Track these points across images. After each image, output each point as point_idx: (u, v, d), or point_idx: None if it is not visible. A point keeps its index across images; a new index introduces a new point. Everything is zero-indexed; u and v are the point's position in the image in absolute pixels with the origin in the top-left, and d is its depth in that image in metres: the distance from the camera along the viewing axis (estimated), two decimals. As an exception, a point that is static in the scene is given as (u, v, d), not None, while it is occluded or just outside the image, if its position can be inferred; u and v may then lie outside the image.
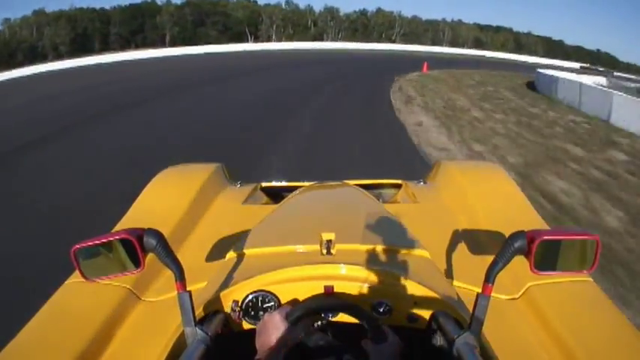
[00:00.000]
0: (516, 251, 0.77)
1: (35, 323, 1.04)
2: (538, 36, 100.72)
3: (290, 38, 65.35)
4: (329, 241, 1.11)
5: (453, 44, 69.99)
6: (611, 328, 1.01)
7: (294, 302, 0.95)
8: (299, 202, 1.65)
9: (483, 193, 1.66)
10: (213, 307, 0.95)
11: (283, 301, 0.97)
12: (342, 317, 0.93)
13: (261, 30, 68.81)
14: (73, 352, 0.94)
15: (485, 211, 1.52)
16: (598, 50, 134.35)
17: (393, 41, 69.28)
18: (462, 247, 1.36)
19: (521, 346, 0.98)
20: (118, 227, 1.45)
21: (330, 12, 75.01)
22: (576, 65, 53.60)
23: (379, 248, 1.10)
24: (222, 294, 0.96)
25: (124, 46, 56.09)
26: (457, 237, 1.43)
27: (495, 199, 1.63)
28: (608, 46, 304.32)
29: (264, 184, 2.14)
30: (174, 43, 54.87)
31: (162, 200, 1.68)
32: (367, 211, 1.46)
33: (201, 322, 0.88)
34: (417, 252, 1.14)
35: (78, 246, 0.82)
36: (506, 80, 18.61)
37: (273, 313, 0.86)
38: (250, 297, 0.96)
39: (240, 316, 0.96)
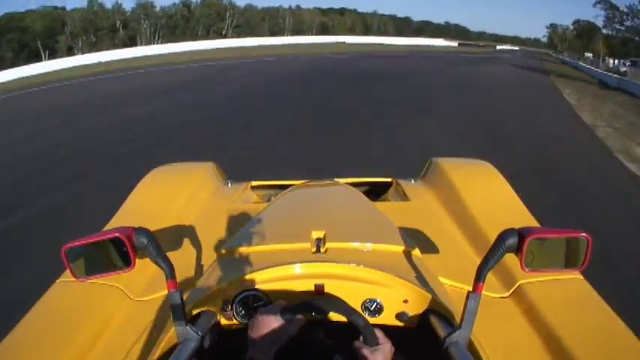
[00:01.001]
0: (507, 249, 0.78)
1: (26, 323, 1.04)
2: (383, 15, 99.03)
3: (93, 47, 46.89)
4: (319, 240, 1.11)
5: (296, 32, 59.99)
6: (601, 325, 1.01)
7: (285, 300, 0.93)
8: (289, 201, 1.63)
9: (474, 190, 1.65)
10: (204, 306, 0.95)
11: (273, 299, 0.95)
12: (335, 316, 0.92)
13: (60, 41, 48.43)
14: (64, 351, 0.95)
15: (476, 209, 1.52)
16: (447, 23, 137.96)
17: (225, 35, 55.91)
18: (452, 245, 1.37)
19: (512, 344, 0.98)
20: (109, 226, 1.44)
21: (144, 7, 57.77)
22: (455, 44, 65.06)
23: (369, 246, 1.11)
24: (212, 293, 0.95)
25: None
26: (448, 235, 1.45)
27: (486, 196, 1.62)
28: (455, 18, 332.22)
29: (254, 183, 2.11)
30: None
31: (153, 199, 1.67)
32: (358, 210, 1.49)
33: (191, 321, 0.88)
34: (408, 250, 1.14)
35: (68, 245, 0.81)
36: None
37: (268, 309, 0.86)
38: (241, 296, 0.95)
39: (231, 315, 0.96)
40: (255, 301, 0.96)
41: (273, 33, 60.02)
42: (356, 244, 1.10)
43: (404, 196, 1.82)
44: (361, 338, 0.83)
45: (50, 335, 1.00)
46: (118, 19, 54.39)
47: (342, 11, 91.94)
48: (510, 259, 0.81)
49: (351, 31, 73.69)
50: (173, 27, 56.36)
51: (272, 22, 67.95)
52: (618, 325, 1.00)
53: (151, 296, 1.16)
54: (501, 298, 1.14)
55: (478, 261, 0.81)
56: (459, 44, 74.12)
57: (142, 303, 1.15)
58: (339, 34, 62.08)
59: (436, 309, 0.92)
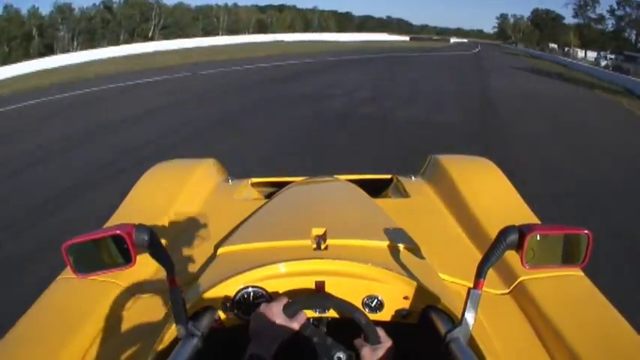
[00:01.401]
0: (508, 246, 0.78)
1: (27, 319, 1.04)
2: (324, 11, 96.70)
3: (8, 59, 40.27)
4: (320, 236, 1.13)
5: (231, 31, 55.67)
6: (602, 322, 1.01)
7: (286, 297, 0.93)
8: (290, 198, 1.65)
9: (475, 187, 1.65)
10: (205, 303, 0.95)
11: (274, 296, 0.96)
12: (336, 314, 0.93)
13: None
14: (65, 348, 0.95)
15: (476, 206, 1.51)
16: (389, 17, 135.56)
17: (151, 38, 49.79)
18: (453, 242, 1.38)
19: (512, 340, 0.98)
20: (109, 223, 1.42)
21: (61, 11, 51.47)
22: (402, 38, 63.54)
23: (370, 243, 1.11)
24: (213, 290, 0.95)
25: None
26: (448, 232, 1.45)
27: (487, 193, 1.62)
28: (397, 12, 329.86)
29: (255, 180, 2.11)
30: None
31: (153, 196, 1.67)
32: (358, 206, 1.51)
33: (192, 318, 0.88)
34: (408, 247, 1.14)
35: (69, 242, 0.81)
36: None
37: (271, 304, 0.86)
38: (241, 292, 0.96)
39: (232, 312, 0.96)
40: (256, 298, 0.96)
41: (207, 33, 55.23)
42: (356, 241, 1.11)
43: (404, 193, 1.81)
44: (362, 336, 0.85)
45: (51, 332, 1.00)
46: (33, 26, 47.91)
47: (281, 8, 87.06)
48: (511, 256, 0.81)
49: (291, 29, 70.35)
50: (93, 31, 50.50)
51: (206, 21, 63.12)
52: (619, 322, 1.00)
53: (152, 293, 1.16)
54: (502, 294, 1.15)
55: (478, 258, 0.81)
56: (410, 38, 71.81)
57: (142, 300, 1.14)
58: (278, 32, 58.52)
59: (437, 305, 0.92)
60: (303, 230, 1.15)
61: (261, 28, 65.72)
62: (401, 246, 1.13)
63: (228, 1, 69.17)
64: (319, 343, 0.84)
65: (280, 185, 1.91)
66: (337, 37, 56.73)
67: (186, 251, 1.30)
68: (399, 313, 0.95)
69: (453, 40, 79.07)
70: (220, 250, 1.16)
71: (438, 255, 1.20)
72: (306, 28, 72.77)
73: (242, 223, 1.37)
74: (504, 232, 0.77)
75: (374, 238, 1.13)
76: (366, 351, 0.81)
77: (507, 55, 40.16)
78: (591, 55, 47.15)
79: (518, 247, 0.77)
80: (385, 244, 1.12)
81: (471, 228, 1.43)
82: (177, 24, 55.75)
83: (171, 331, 0.87)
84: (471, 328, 0.81)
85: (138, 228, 0.79)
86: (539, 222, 1.25)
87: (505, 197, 1.60)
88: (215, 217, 1.53)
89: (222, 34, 52.07)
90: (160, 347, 0.86)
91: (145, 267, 1.18)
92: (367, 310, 0.94)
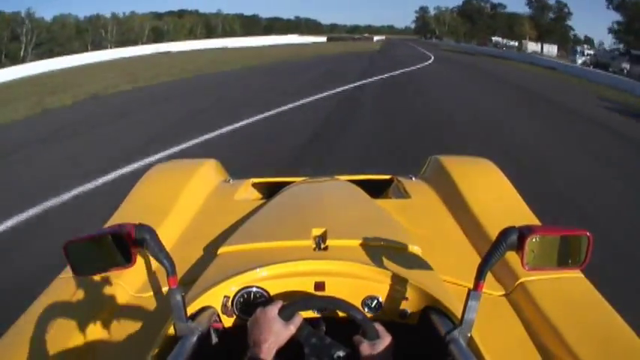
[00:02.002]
0: (508, 247, 0.78)
1: (27, 318, 1.03)
2: (228, 14, 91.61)
3: None
4: (320, 237, 1.13)
5: (122, 43, 49.15)
6: (602, 323, 1.01)
7: (285, 297, 0.94)
8: (290, 198, 1.64)
9: (475, 188, 1.65)
10: (205, 303, 0.95)
11: (274, 296, 0.96)
12: (334, 313, 0.93)
13: None
14: (65, 347, 0.94)
15: (476, 207, 1.51)
16: (297, 17, 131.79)
17: (22, 59, 41.37)
18: (453, 243, 1.38)
19: (512, 342, 0.98)
20: (110, 223, 1.41)
21: None
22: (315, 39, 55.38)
23: (370, 244, 1.11)
24: (213, 289, 0.95)
25: None
26: (448, 232, 1.45)
27: (487, 194, 1.62)
28: (305, 12, 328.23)
29: (255, 180, 2.10)
30: None
31: (154, 196, 1.67)
32: (358, 207, 1.50)
33: (192, 318, 0.88)
34: (408, 247, 1.14)
35: (69, 242, 0.81)
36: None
37: (266, 309, 0.86)
38: (241, 292, 0.96)
39: (232, 312, 0.96)
40: (256, 298, 0.96)
41: (95, 46, 48.96)
42: (356, 242, 1.11)
43: (404, 194, 1.81)
44: (360, 332, 0.85)
45: (51, 331, 0.99)
46: None
47: (182, 13, 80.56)
48: (511, 257, 0.81)
49: (191, 35, 65.31)
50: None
51: (94, 32, 56.18)
52: (618, 324, 1.00)
53: (152, 292, 1.16)
54: (502, 295, 1.15)
55: (479, 259, 0.81)
56: (328, 39, 62.02)
57: (142, 299, 1.15)
58: (177, 40, 53.26)
59: (437, 306, 0.92)
60: (303, 230, 1.16)
61: (157, 37, 59.54)
62: (401, 246, 1.13)
63: (125, 10, 61.92)
64: (318, 344, 0.84)
65: (281, 186, 1.90)
66: (243, 42, 48.72)
67: (186, 251, 1.30)
68: (399, 314, 0.95)
69: (377, 38, 73.53)
70: (220, 250, 1.16)
71: (438, 256, 1.18)
72: (209, 34, 68.21)
73: (242, 223, 1.37)
74: (504, 234, 0.78)
75: (374, 239, 1.13)
76: (364, 347, 0.81)
77: (455, 53, 34.26)
78: (550, 49, 41.08)
79: (519, 248, 0.77)
80: (385, 244, 1.12)
81: (471, 229, 1.43)
82: (55, 40, 48.20)
83: (171, 331, 0.87)
84: (470, 330, 0.81)
85: (138, 228, 0.79)
86: (539, 223, 1.26)
87: (505, 198, 1.60)
88: (215, 217, 1.54)
89: (111, 47, 45.79)
90: (160, 347, 0.86)
91: (146, 266, 1.19)
92: (367, 310, 0.95)
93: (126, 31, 57.79)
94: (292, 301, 0.87)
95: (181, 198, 1.63)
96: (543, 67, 24.38)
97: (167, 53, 32.11)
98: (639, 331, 0.98)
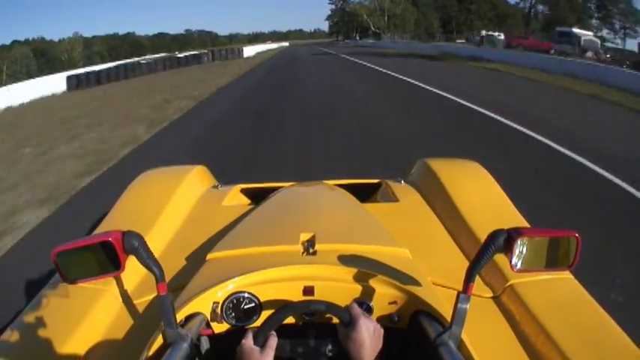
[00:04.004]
0: (497, 249, 0.78)
1: (17, 326, 1.03)
2: (107, 35, 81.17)
3: None
4: (309, 242, 1.12)
5: None
6: (592, 324, 1.02)
7: (276, 302, 0.93)
8: (278, 203, 1.63)
9: (463, 190, 1.64)
10: (194, 309, 0.94)
11: (263, 301, 0.96)
12: (319, 316, 0.93)
13: None
14: (54, 354, 0.94)
15: (465, 210, 1.51)
16: (188, 31, 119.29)
17: None
18: (442, 246, 1.37)
19: (502, 344, 0.98)
20: (98, 230, 1.42)
21: None
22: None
23: (359, 248, 1.10)
24: (202, 295, 0.95)
25: None
26: (437, 236, 1.44)
27: (475, 197, 1.62)
28: (198, 24, 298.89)
29: (243, 186, 2.09)
30: None
31: (143, 203, 1.66)
32: (347, 211, 1.50)
33: (182, 324, 0.87)
34: (397, 251, 1.14)
35: (58, 249, 0.80)
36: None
37: (242, 344, 0.83)
38: (231, 298, 0.95)
39: (221, 318, 0.95)
40: (246, 304, 0.95)
41: None
42: (345, 246, 1.10)
43: (393, 197, 1.80)
44: (339, 321, 0.84)
45: (40, 339, 0.98)
46: None
47: (13, 45, 54.69)
48: (500, 260, 0.82)
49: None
50: None
51: None
52: (609, 325, 1.00)
53: (141, 299, 1.15)
54: (491, 298, 1.14)
55: (468, 261, 0.81)
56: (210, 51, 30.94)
57: (132, 306, 1.14)
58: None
59: (426, 310, 0.91)
60: (291, 235, 1.15)
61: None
62: (390, 250, 1.13)
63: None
64: (305, 350, 0.84)
65: (269, 191, 1.89)
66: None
67: (175, 257, 1.30)
68: (389, 318, 0.94)
69: (262, 47, 49.61)
70: (209, 256, 1.16)
71: (427, 259, 1.20)
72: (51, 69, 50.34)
73: (231, 228, 1.36)
74: (493, 236, 0.78)
75: (362, 243, 1.13)
76: (343, 331, 0.82)
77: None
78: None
79: (507, 250, 0.77)
80: (374, 248, 1.12)
81: (459, 232, 1.43)
82: None
83: (161, 337, 0.86)
84: (460, 332, 0.80)
85: (126, 234, 0.79)
86: (528, 225, 1.26)
87: (494, 200, 1.61)
88: (204, 223, 1.53)
89: None
90: (150, 353, 0.85)
91: (135, 273, 1.18)
92: None
93: None
94: (262, 325, 0.85)
95: (170, 204, 1.62)
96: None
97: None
98: (628, 331, 0.98)
